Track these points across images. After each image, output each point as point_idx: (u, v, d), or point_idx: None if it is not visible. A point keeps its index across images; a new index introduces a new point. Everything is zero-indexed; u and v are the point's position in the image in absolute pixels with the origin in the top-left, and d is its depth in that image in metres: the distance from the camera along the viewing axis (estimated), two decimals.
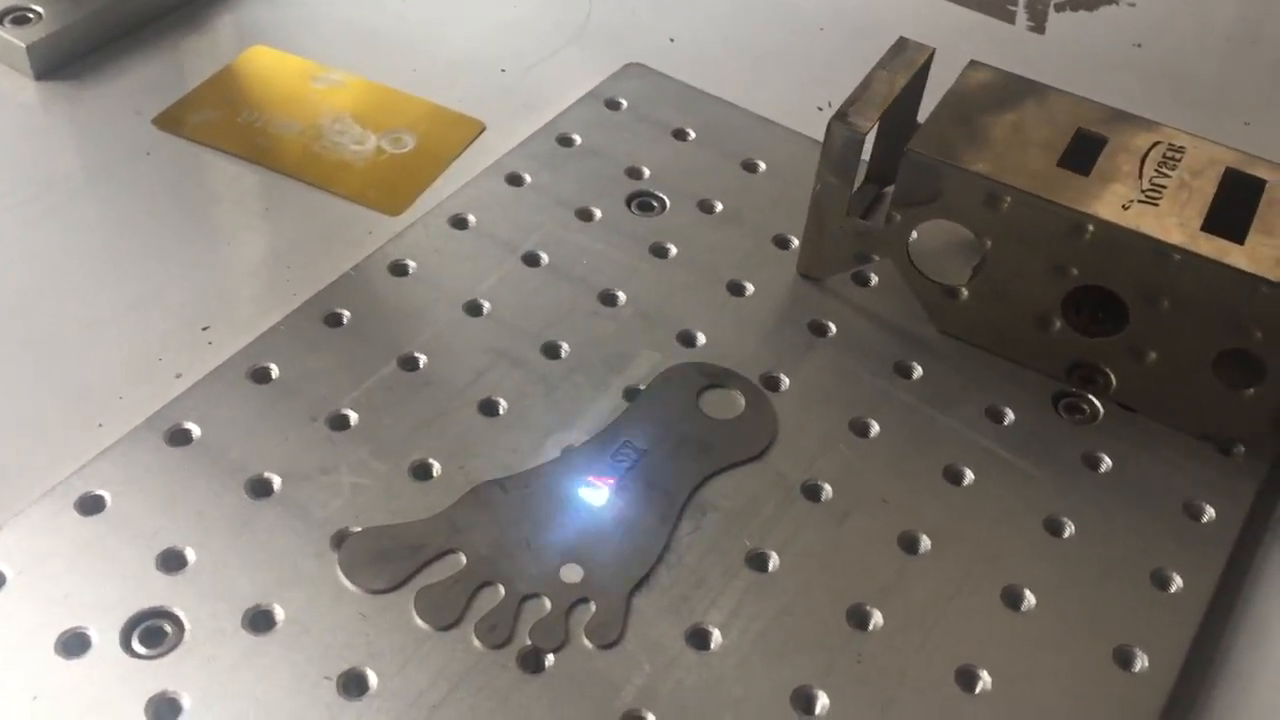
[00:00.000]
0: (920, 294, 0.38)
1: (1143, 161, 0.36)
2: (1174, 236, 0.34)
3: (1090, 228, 0.34)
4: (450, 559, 0.32)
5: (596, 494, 0.33)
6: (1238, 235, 0.34)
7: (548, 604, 0.31)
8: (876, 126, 0.37)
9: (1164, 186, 0.35)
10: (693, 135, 0.45)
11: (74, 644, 0.29)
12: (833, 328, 0.38)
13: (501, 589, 0.31)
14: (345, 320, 0.37)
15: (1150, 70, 0.52)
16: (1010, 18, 0.54)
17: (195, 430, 0.34)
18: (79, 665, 0.29)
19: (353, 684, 0.29)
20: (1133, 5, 0.55)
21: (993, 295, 0.37)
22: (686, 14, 0.52)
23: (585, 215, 0.41)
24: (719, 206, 0.42)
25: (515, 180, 0.42)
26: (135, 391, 0.36)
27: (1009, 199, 0.35)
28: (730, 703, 0.29)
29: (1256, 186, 0.35)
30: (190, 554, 0.31)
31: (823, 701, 0.30)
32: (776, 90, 0.49)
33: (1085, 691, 0.30)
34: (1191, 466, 0.35)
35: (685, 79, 0.48)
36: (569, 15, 0.52)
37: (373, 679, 0.29)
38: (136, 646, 0.29)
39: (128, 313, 0.38)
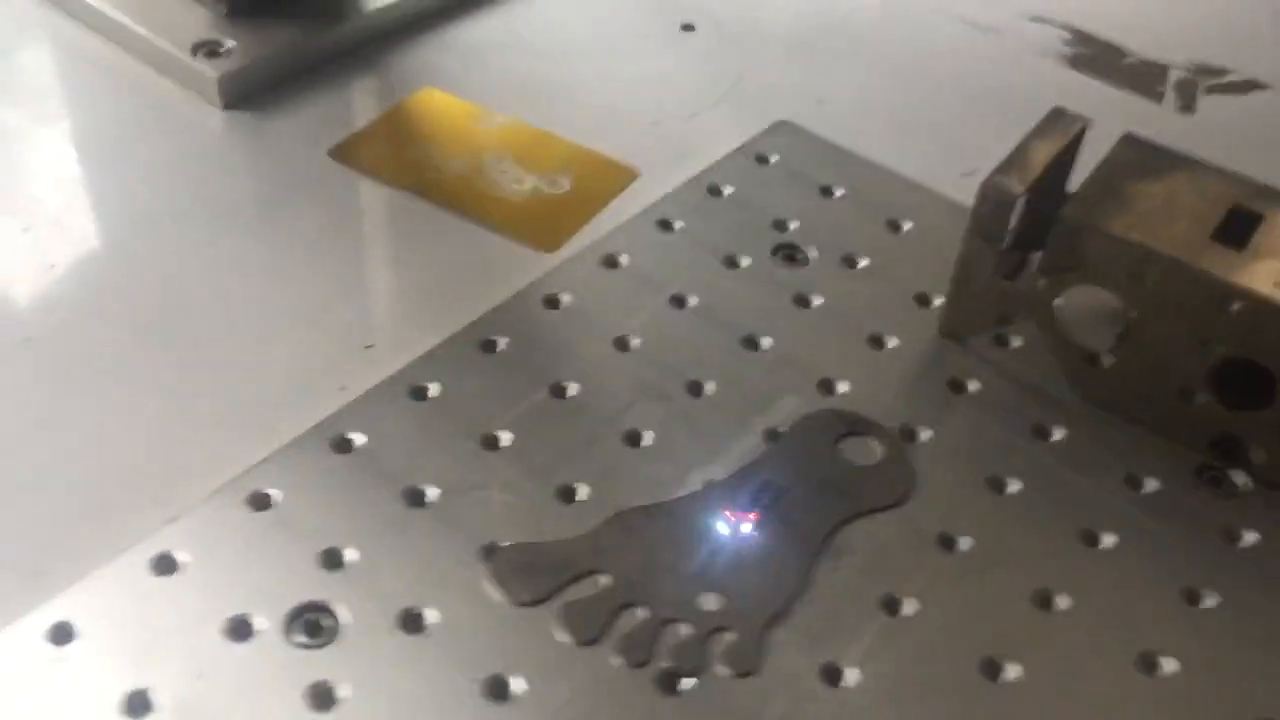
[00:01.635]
0: (1062, 359, 0.38)
1: None
2: None
3: (1240, 302, 0.34)
4: (593, 579, 0.33)
5: (737, 527, 0.34)
6: None
7: (686, 629, 0.32)
8: (1027, 192, 0.38)
9: None
10: (839, 193, 0.46)
11: (239, 629, 0.31)
12: (972, 386, 0.39)
13: (641, 611, 0.32)
14: (501, 347, 0.39)
15: None
16: (1159, 98, 0.54)
17: (358, 439, 0.36)
18: (243, 649, 0.30)
19: (497, 689, 0.30)
20: None
21: (1136, 365, 0.37)
22: (836, 78, 0.54)
23: (732, 263, 0.43)
24: (862, 262, 0.43)
25: (666, 226, 0.44)
26: (303, 400, 0.38)
27: (1158, 267, 0.35)
28: None
29: None
30: (349, 554, 0.33)
31: None
32: (922, 155, 0.50)
33: None
34: None
35: (832, 139, 0.49)
36: (721, 74, 0.54)
37: (515, 686, 0.30)
38: (296, 636, 0.31)
39: (298, 328, 0.41)
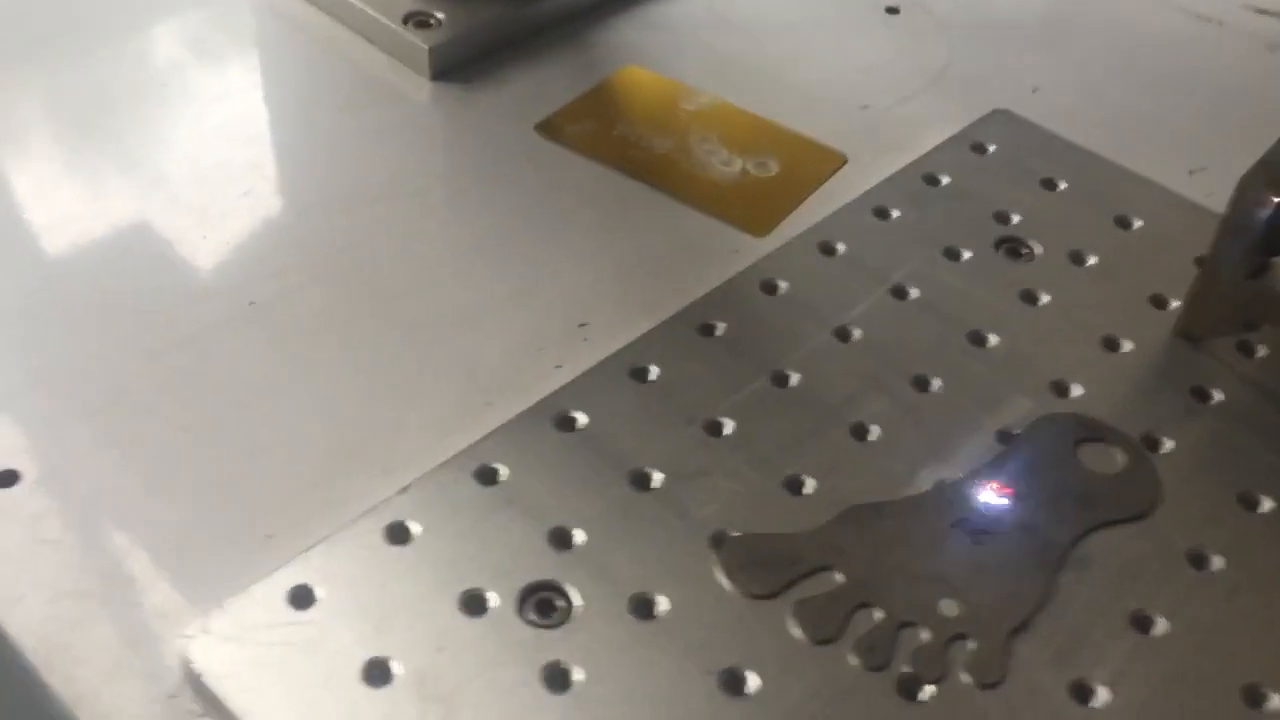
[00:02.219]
0: None
1: None
2: None
3: None
4: (825, 575, 0.32)
5: (976, 531, 0.33)
6: None
7: (926, 634, 0.31)
8: None
9: None
10: (1063, 186, 0.44)
11: (474, 604, 0.31)
12: (1216, 395, 0.37)
13: (878, 613, 0.31)
14: (719, 331, 0.38)
15: None
16: None
17: (581, 418, 0.35)
18: (479, 624, 0.30)
19: (733, 682, 0.30)
20: None
21: None
22: (1049, 66, 0.52)
23: (953, 255, 0.41)
24: (1091, 260, 0.41)
25: (882, 214, 0.43)
26: (518, 377, 0.38)
27: None
28: None
29: None
30: (578, 535, 0.32)
31: None
32: (1143, 150, 0.47)
33: None
34: None
35: (1049, 129, 0.47)
36: (929, 59, 0.52)
37: (752, 680, 0.30)
38: (529, 615, 0.31)
39: (509, 303, 0.40)
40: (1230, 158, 0.47)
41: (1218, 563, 0.32)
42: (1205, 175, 0.46)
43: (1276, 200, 0.35)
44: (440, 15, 0.49)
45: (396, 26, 0.49)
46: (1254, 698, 0.30)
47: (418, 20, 0.49)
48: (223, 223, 0.42)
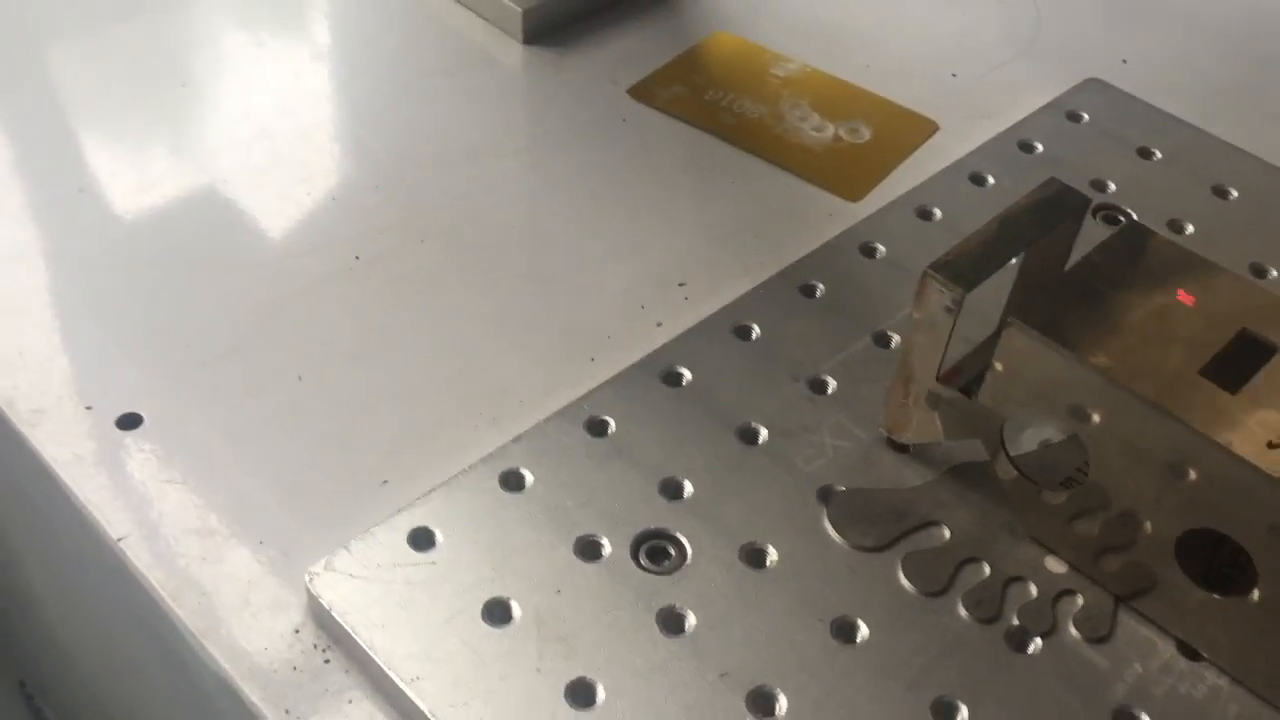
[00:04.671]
0: (1008, 487, 0.32)
1: None
2: None
3: (1211, 462, 0.27)
4: (932, 530, 0.32)
5: None
6: None
7: (1034, 589, 0.31)
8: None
9: None
10: (1158, 155, 0.44)
11: (589, 549, 0.31)
12: None
13: (987, 567, 0.31)
14: (819, 292, 0.39)
15: None
16: None
17: (686, 374, 0.36)
18: (594, 569, 0.31)
19: (845, 630, 0.30)
20: None
21: (1085, 512, 0.30)
22: (1139, 36, 0.52)
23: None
24: (1189, 229, 0.41)
25: (979, 180, 0.43)
26: (621, 333, 0.38)
27: (1112, 405, 0.28)
28: (1230, 717, 0.29)
29: None
30: (688, 486, 0.33)
31: None
32: (1235, 121, 0.47)
33: None
34: None
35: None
36: (1018, 28, 0.52)
37: (863, 629, 0.30)
38: (643, 561, 0.31)
39: (610, 261, 0.41)
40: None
41: None
42: None
43: (959, 295, 0.30)
44: None
45: None
46: None
47: None
48: (325, 180, 0.43)
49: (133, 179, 0.43)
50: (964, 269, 0.31)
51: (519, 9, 0.49)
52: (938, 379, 0.32)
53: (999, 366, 0.30)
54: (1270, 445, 0.27)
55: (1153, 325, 0.30)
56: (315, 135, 0.45)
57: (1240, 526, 0.28)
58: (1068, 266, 0.33)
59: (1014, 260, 0.32)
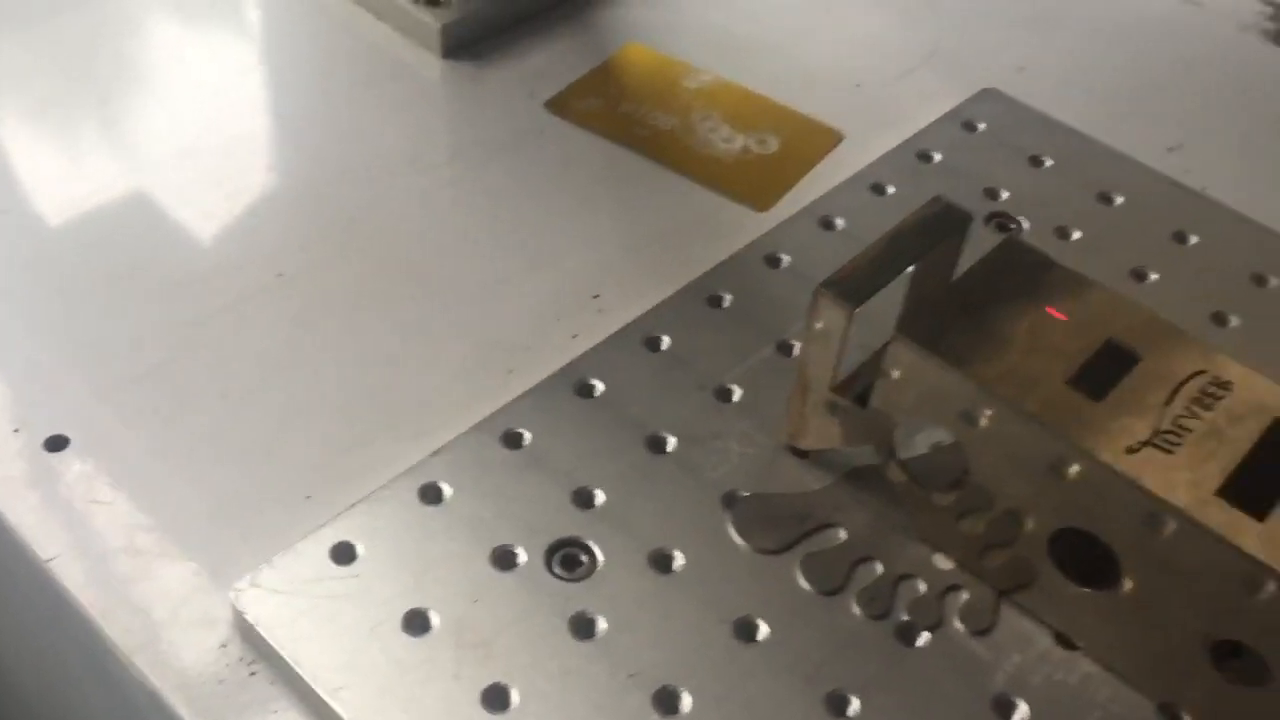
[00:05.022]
0: (900, 493, 0.34)
1: (1174, 394, 0.30)
2: (1177, 496, 0.28)
3: (1078, 466, 0.29)
4: (830, 532, 0.34)
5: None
6: (1260, 508, 0.28)
7: (922, 585, 0.33)
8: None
9: (1189, 430, 0.30)
10: (1049, 163, 0.46)
11: (505, 559, 0.33)
12: None
13: (880, 566, 0.33)
14: (726, 303, 0.40)
15: None
16: None
17: (599, 386, 0.37)
18: (510, 578, 0.33)
19: (746, 630, 0.32)
20: None
21: (969, 516, 0.32)
22: (1035, 45, 0.54)
23: None
24: (1075, 235, 0.44)
25: (879, 190, 0.45)
26: (538, 345, 0.40)
27: (990, 413, 0.30)
28: (1100, 702, 0.31)
29: None
30: (599, 495, 0.35)
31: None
32: (1124, 128, 0.50)
33: None
34: None
35: (1035, 107, 0.49)
36: (919, 38, 0.54)
37: (763, 628, 0.32)
38: (556, 569, 0.33)
39: (526, 275, 0.42)
40: (1205, 135, 0.50)
41: None
42: (1182, 152, 0.49)
43: (848, 311, 0.32)
44: None
45: (408, 5, 0.50)
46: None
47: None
48: (247, 196, 0.44)
49: (54, 198, 0.43)
50: (854, 286, 0.32)
51: (436, 24, 0.50)
52: (833, 388, 0.34)
53: (886, 376, 0.32)
54: (1129, 450, 0.29)
55: (1027, 336, 0.32)
56: (237, 151, 0.46)
57: (1104, 525, 0.30)
58: (955, 279, 0.35)
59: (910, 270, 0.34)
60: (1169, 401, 0.30)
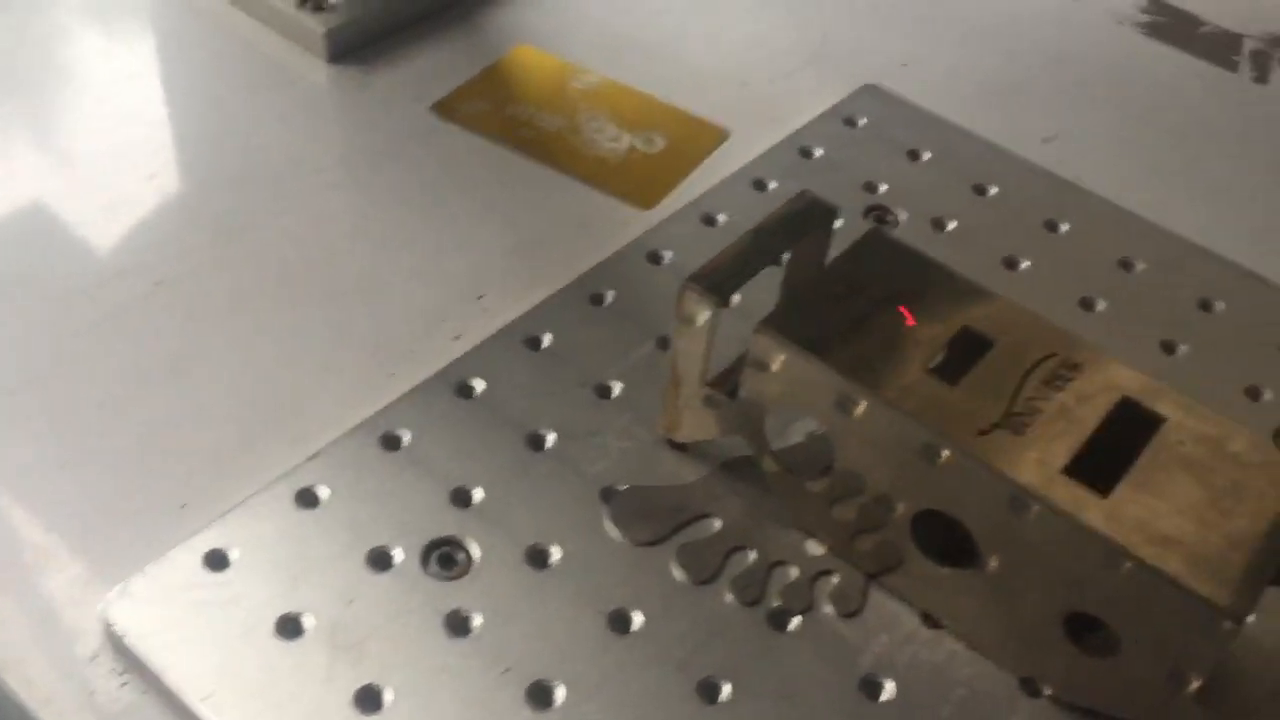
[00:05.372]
0: (773, 483, 0.35)
1: (1025, 377, 0.31)
2: (1024, 475, 0.29)
3: (933, 450, 0.30)
4: (705, 522, 0.35)
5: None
6: (1104, 485, 0.29)
7: (794, 571, 0.34)
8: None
9: (1040, 411, 0.31)
10: (926, 156, 0.47)
11: (381, 560, 0.33)
12: None
13: (752, 554, 0.34)
14: (608, 300, 0.41)
15: None
16: (1234, 66, 0.55)
17: (479, 385, 0.38)
18: (385, 579, 0.33)
19: (620, 621, 0.32)
20: None
21: (840, 504, 0.33)
22: (919, 40, 0.55)
23: None
24: (950, 225, 0.45)
25: (760, 186, 0.45)
26: (421, 347, 0.40)
27: (850, 401, 0.31)
28: (963, 679, 0.32)
29: (1151, 424, 0.31)
30: (477, 493, 0.35)
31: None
32: (1002, 120, 0.51)
33: None
34: None
35: (916, 102, 0.50)
36: (805, 35, 0.55)
37: (637, 619, 0.33)
38: (433, 568, 0.33)
39: (411, 278, 0.42)
40: (1080, 126, 0.52)
41: None
42: (1057, 143, 0.50)
43: (714, 305, 0.33)
44: None
45: (292, 10, 0.50)
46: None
47: (314, 4, 0.51)
48: (128, 206, 0.44)
49: None
50: (719, 281, 0.33)
51: (321, 29, 0.50)
52: (707, 382, 0.35)
53: (752, 368, 0.33)
54: (980, 433, 0.30)
55: (887, 325, 0.33)
56: (118, 160, 0.45)
57: (960, 507, 0.31)
58: (823, 271, 0.36)
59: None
60: (1021, 385, 0.31)
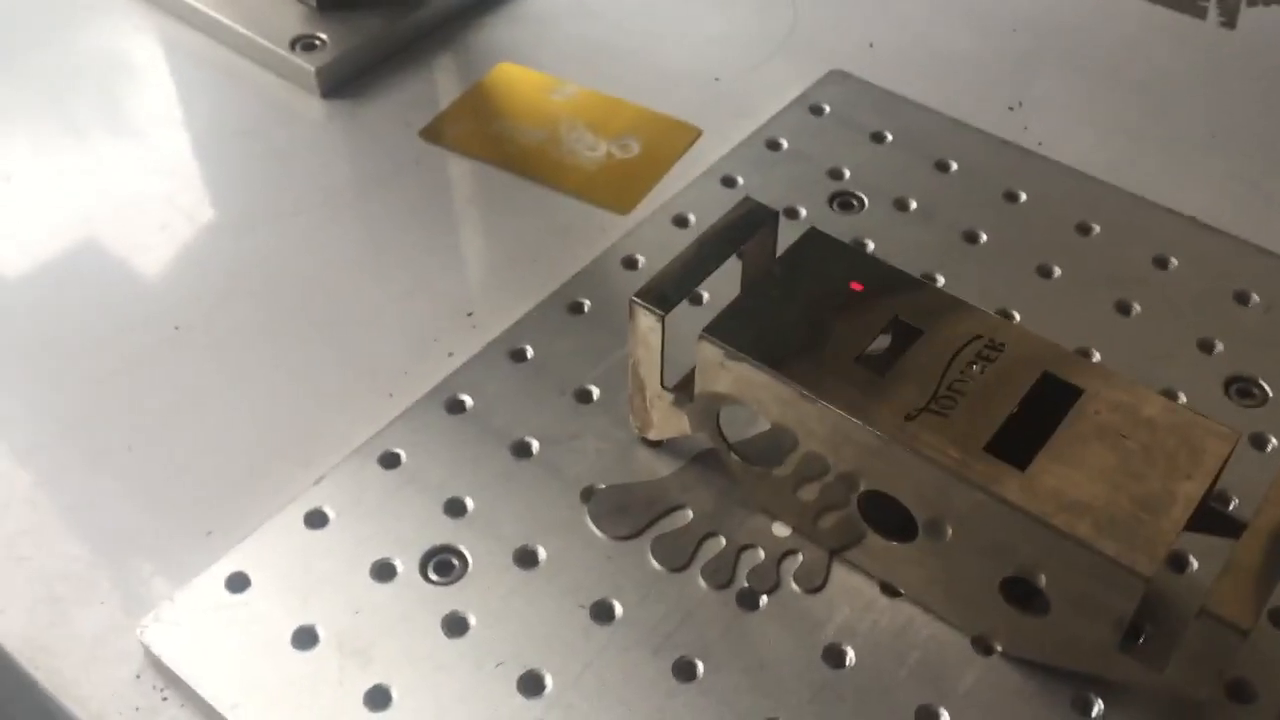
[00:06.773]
0: (734, 471, 0.37)
1: (951, 360, 0.33)
2: (947, 456, 0.31)
3: (863, 439, 0.32)
4: (679, 514, 0.38)
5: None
6: (1024, 458, 0.31)
7: (762, 553, 0.36)
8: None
9: (963, 393, 0.33)
10: (890, 138, 0.49)
11: (384, 571, 0.36)
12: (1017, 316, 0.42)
13: (723, 540, 0.37)
14: (586, 308, 0.44)
15: None
16: (1201, 13, 0.56)
17: (468, 401, 0.41)
18: (388, 588, 0.36)
19: (602, 612, 0.35)
20: None
21: (795, 486, 0.36)
22: (885, 20, 0.56)
23: (792, 214, 0.46)
24: (913, 204, 0.46)
25: (729, 183, 0.48)
26: (416, 367, 0.43)
27: (787, 395, 0.33)
28: (919, 642, 0.34)
29: (1070, 396, 0.33)
30: (469, 502, 0.38)
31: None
32: (967, 92, 0.52)
33: None
34: None
35: (884, 82, 0.52)
36: (774, 25, 0.57)
37: (618, 609, 0.35)
38: (431, 575, 0.36)
39: (404, 300, 0.46)
40: (1043, 92, 0.53)
41: None
42: (1021, 111, 0.52)
43: (660, 316, 0.35)
44: (324, 36, 0.54)
45: (285, 52, 0.53)
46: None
47: (304, 43, 0.54)
48: (141, 254, 0.47)
49: None
50: (665, 292, 0.36)
51: (311, 67, 0.53)
52: (666, 385, 0.37)
53: (700, 371, 0.36)
54: (907, 417, 0.32)
55: (822, 320, 0.35)
56: (128, 211, 0.49)
57: (895, 488, 0.33)
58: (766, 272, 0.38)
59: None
60: (947, 368, 0.33)
